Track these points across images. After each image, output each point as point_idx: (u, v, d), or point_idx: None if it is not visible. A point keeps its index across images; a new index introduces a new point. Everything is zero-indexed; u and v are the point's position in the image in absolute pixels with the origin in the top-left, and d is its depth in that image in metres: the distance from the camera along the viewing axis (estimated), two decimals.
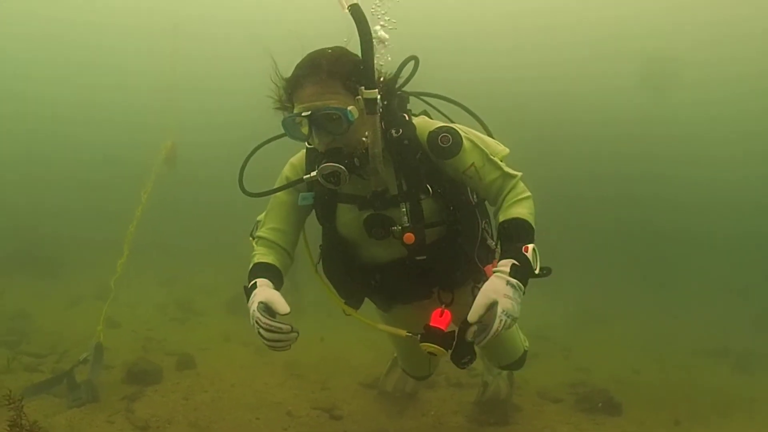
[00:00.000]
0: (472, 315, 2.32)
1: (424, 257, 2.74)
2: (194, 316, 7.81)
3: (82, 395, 4.85)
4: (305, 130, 2.54)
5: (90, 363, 5.23)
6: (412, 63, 2.87)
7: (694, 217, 17.65)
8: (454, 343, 2.55)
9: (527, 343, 3.92)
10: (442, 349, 2.55)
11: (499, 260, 2.49)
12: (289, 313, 2.55)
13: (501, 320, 2.24)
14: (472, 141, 2.71)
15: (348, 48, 2.65)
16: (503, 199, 2.71)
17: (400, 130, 2.63)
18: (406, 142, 2.64)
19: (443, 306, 2.75)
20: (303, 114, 2.46)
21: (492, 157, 2.72)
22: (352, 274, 3.02)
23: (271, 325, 2.45)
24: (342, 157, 2.50)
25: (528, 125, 18.55)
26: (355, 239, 2.91)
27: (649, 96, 21.67)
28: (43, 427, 4.13)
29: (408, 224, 2.64)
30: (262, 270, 2.81)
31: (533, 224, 2.61)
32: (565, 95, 22.27)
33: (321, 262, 3.09)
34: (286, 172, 2.96)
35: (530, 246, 2.46)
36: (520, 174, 2.75)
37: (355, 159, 2.53)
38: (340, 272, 3.04)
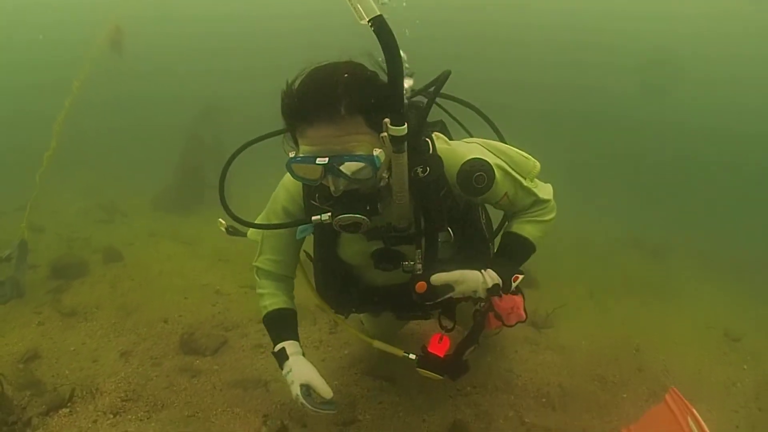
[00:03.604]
0: (438, 279, 2.23)
1: (432, 303, 2.40)
2: (119, 216, 7.69)
3: (6, 292, 4.82)
4: (316, 174, 2.04)
5: (14, 261, 5.15)
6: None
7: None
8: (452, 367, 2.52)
9: None
10: (438, 376, 2.52)
11: (492, 262, 2.42)
12: (333, 396, 2.46)
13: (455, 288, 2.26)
14: (503, 170, 2.39)
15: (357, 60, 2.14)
16: (524, 212, 2.57)
17: (427, 169, 2.21)
18: (432, 181, 2.25)
19: (443, 331, 2.62)
20: (318, 162, 1.97)
21: (525, 184, 2.46)
22: (346, 291, 2.77)
23: (318, 413, 2.41)
24: (361, 203, 2.12)
25: None
26: (357, 265, 2.66)
27: None
28: None
29: (420, 272, 2.30)
30: (282, 324, 2.69)
31: (536, 247, 2.54)
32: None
33: (313, 270, 2.85)
34: (283, 201, 2.55)
35: (520, 277, 2.40)
36: (551, 198, 2.57)
37: (378, 204, 2.15)
38: (333, 287, 2.79)
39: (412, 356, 2.59)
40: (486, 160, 2.29)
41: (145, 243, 6.41)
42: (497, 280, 2.29)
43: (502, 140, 2.85)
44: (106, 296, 4.81)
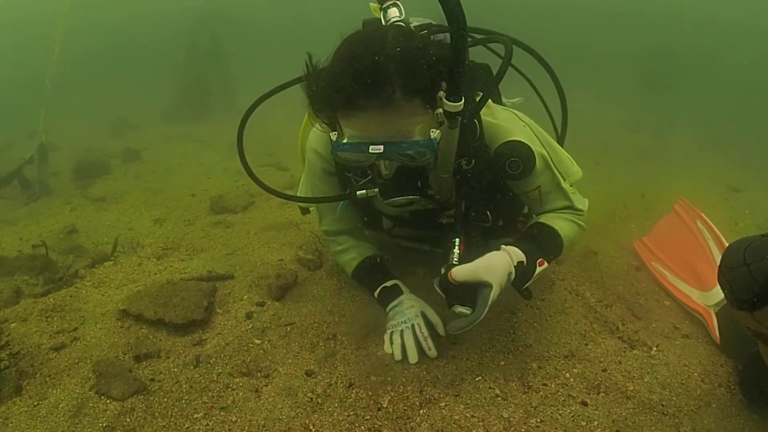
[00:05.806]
0: (459, 275, 1.85)
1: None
2: (130, 130, 7.83)
3: (35, 191, 5.01)
4: (367, 159, 1.84)
5: (36, 162, 5.34)
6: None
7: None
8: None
9: None
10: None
11: (516, 241, 2.07)
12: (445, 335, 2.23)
13: (487, 309, 1.85)
14: (545, 162, 2.17)
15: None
16: (557, 211, 2.29)
17: (472, 161, 2.04)
18: (476, 173, 2.08)
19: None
20: (372, 151, 1.75)
21: (562, 184, 2.24)
22: (378, 223, 2.61)
23: (426, 341, 2.16)
24: (412, 181, 1.93)
25: None
26: (394, 216, 2.50)
27: None
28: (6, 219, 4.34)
29: (456, 262, 1.94)
30: (383, 269, 2.50)
31: (563, 247, 2.19)
32: None
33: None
34: (320, 163, 2.36)
35: (545, 263, 2.07)
36: (584, 210, 2.32)
37: (429, 178, 2.01)
38: (364, 220, 2.59)
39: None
40: (529, 145, 2.05)
41: (160, 145, 6.56)
42: (521, 257, 1.98)
43: (563, 96, 2.75)
44: (131, 184, 4.97)
